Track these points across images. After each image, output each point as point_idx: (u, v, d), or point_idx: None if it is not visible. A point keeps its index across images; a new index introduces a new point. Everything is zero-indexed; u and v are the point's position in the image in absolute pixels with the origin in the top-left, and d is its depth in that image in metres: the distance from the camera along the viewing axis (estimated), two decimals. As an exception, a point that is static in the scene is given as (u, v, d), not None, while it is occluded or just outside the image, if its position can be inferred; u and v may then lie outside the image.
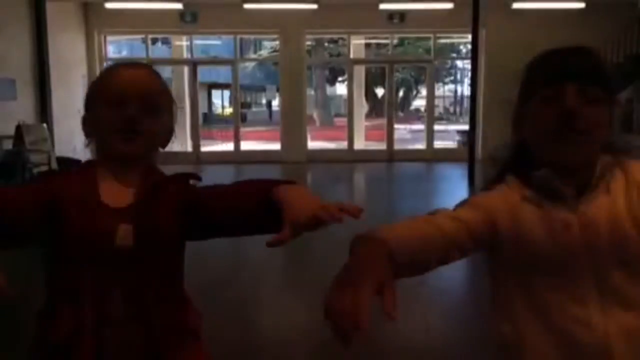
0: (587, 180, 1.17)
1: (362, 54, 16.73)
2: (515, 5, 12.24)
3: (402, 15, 13.34)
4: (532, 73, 1.20)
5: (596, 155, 1.17)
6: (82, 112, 1.36)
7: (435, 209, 1.22)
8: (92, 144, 1.35)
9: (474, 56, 10.89)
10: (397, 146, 14.77)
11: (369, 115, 21.27)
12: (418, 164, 13.49)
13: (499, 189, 1.26)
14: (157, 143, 1.36)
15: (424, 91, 22.08)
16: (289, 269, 5.59)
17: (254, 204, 1.20)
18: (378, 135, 16.05)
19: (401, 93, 30.62)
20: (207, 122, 25.12)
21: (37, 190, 1.25)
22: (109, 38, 14.28)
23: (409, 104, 33.32)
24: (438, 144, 15.32)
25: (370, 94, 25.03)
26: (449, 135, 18.91)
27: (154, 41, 16.82)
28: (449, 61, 25.01)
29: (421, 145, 14.96)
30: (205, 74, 21.77)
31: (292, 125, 13.86)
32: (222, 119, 27.13)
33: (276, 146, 14.65)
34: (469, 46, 12.22)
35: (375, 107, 25.57)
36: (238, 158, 14.09)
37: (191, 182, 1.39)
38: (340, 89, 28.93)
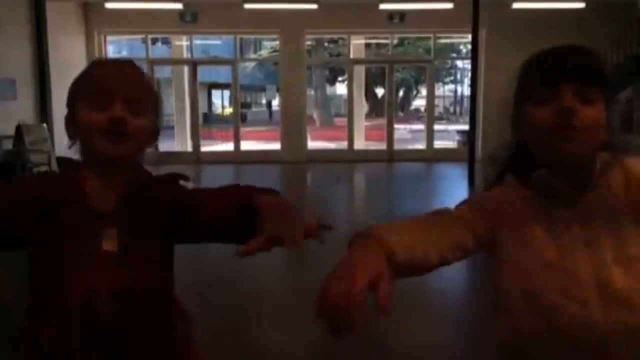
0: (586, 179, 1.16)
1: (362, 54, 16.74)
2: (515, 5, 12.24)
3: (402, 15, 13.34)
4: (529, 73, 1.20)
5: (595, 154, 1.16)
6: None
7: (436, 208, 1.21)
8: (76, 145, 1.29)
9: (474, 56, 10.89)
10: (397, 146, 14.78)
11: (369, 115, 21.27)
12: (418, 164, 13.50)
13: (499, 189, 1.26)
14: (144, 143, 1.30)
15: (424, 91, 22.09)
16: (288, 270, 5.59)
17: (234, 211, 1.16)
18: (378, 135, 16.05)
19: (401, 93, 30.63)
20: (207, 122, 25.11)
21: (24, 192, 1.23)
22: (109, 38, 14.28)
23: (409, 104, 33.32)
24: (438, 144, 15.33)
25: (370, 94, 25.03)
26: (449, 135, 18.91)
27: (154, 41, 16.83)
28: (449, 61, 25.02)
29: (421, 145, 14.97)
30: (205, 74, 21.79)
31: (292, 125, 13.86)
32: (222, 119, 27.13)
33: (276, 146, 14.65)
34: (469, 46, 12.23)
35: (375, 107, 25.58)
36: (238, 158, 14.09)
37: (181, 182, 1.35)
38: (340, 89, 28.94)
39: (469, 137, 11.46)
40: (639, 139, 9.12)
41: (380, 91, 25.72)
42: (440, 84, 31.06)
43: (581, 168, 1.16)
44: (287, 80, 13.94)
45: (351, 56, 14.96)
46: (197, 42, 16.22)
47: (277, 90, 17.20)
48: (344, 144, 14.93)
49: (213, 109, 33.19)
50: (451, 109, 34.58)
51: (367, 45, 17.97)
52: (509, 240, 1.18)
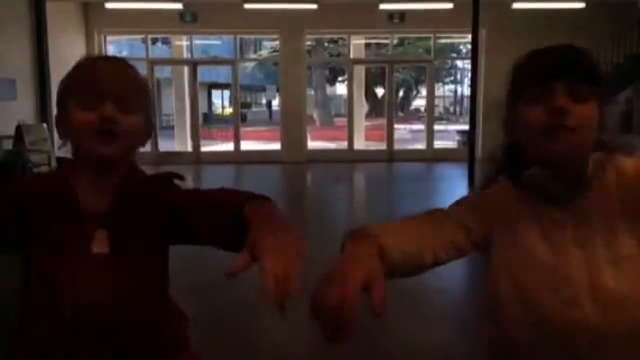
0: (579, 179, 1.16)
1: (362, 54, 16.74)
2: (515, 5, 12.24)
3: (402, 15, 13.34)
4: (520, 73, 1.19)
5: (588, 154, 1.16)
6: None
7: (431, 208, 1.21)
8: (67, 145, 1.26)
9: (474, 56, 10.89)
10: (397, 146, 14.78)
11: (369, 115, 21.27)
12: (418, 164, 13.50)
13: (493, 190, 1.25)
14: (136, 142, 1.26)
15: (424, 91, 22.08)
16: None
17: (222, 219, 1.11)
18: (378, 135, 16.05)
19: (401, 93, 30.62)
20: (207, 122, 25.11)
21: (11, 194, 1.21)
22: (109, 38, 14.28)
23: (409, 104, 33.32)
24: (438, 144, 15.33)
25: (370, 94, 25.03)
26: (449, 135, 18.91)
27: (154, 41, 16.83)
28: (449, 61, 25.01)
29: (421, 145, 14.97)
30: (205, 74, 21.79)
31: (292, 125, 13.86)
32: (222, 119, 27.14)
33: (276, 146, 14.65)
34: (469, 46, 12.23)
35: (375, 107, 25.57)
36: (238, 158, 14.09)
37: (176, 182, 1.32)
38: (340, 89, 28.94)
39: (469, 137, 11.46)
40: (639, 139, 9.12)
41: (380, 91, 25.71)
42: (440, 84, 31.06)
43: (574, 168, 1.15)
44: (287, 80, 13.94)
45: (351, 56, 14.96)
46: (197, 42, 16.22)
47: (277, 90, 17.20)
48: (344, 144, 14.93)
49: (213, 109, 33.19)
50: (451, 109, 34.57)
51: (367, 45, 17.97)
52: (501, 240, 1.17)
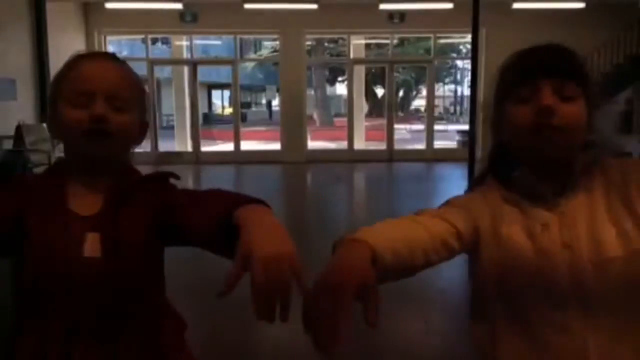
0: (566, 180, 1.15)
1: (362, 54, 16.74)
2: (515, 5, 12.25)
3: (402, 15, 13.35)
4: (507, 73, 1.18)
5: (575, 154, 1.14)
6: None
7: (421, 209, 1.19)
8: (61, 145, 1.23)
9: (474, 56, 10.88)
10: (397, 146, 14.78)
11: (369, 115, 21.28)
12: (418, 164, 13.50)
13: (480, 190, 1.24)
14: (129, 141, 1.23)
15: (424, 91, 22.09)
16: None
17: (212, 224, 1.04)
18: (378, 135, 16.05)
19: (401, 93, 30.63)
20: (207, 122, 25.12)
21: (10, 196, 1.16)
22: (109, 38, 14.28)
23: (409, 104, 33.32)
24: (438, 144, 15.32)
25: (370, 94, 25.03)
26: (449, 135, 18.91)
27: (154, 41, 16.83)
28: (449, 61, 25.01)
29: (421, 145, 14.96)
30: (205, 74, 21.79)
31: (292, 125, 13.86)
32: (222, 119, 27.15)
33: (276, 146, 14.65)
34: (469, 46, 12.23)
35: (375, 107, 25.58)
36: (238, 158, 14.09)
37: (172, 181, 1.27)
38: (340, 89, 28.96)
39: (469, 137, 11.46)
40: (638, 139, 9.11)
41: (380, 91, 25.73)
42: (440, 84, 31.07)
43: (561, 168, 1.14)
44: (287, 80, 13.94)
45: (351, 56, 14.96)
46: (197, 42, 16.22)
47: (277, 90, 17.21)
48: (344, 144, 14.93)
49: (213, 109, 33.22)
50: (451, 109, 34.58)
51: (367, 45, 17.98)
52: (488, 240, 1.16)
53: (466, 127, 12.89)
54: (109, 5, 12.51)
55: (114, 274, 1.15)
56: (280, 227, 0.96)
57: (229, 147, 14.94)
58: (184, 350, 1.32)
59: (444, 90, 33.40)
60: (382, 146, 14.73)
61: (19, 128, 9.43)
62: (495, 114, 1.21)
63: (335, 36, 18.00)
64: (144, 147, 1.31)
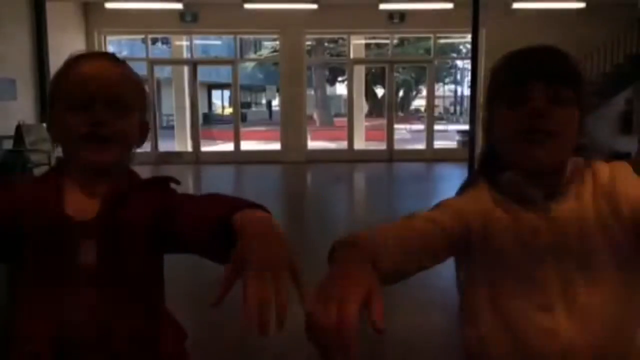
0: (556, 184, 1.13)
1: (362, 54, 16.74)
2: (515, 5, 12.24)
3: (402, 15, 13.35)
4: (498, 75, 1.16)
5: (566, 159, 1.13)
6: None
7: (412, 212, 1.17)
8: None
9: (474, 56, 10.90)
10: (397, 146, 14.78)
11: (369, 115, 21.29)
12: (418, 164, 13.50)
13: (471, 192, 1.22)
14: (130, 145, 1.18)
15: (424, 91, 22.09)
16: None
17: (207, 230, 1.00)
18: (378, 135, 16.05)
19: (401, 93, 30.65)
20: (207, 122, 25.14)
21: (7, 201, 1.13)
22: (109, 38, 14.28)
23: (409, 104, 33.34)
24: (438, 144, 15.32)
25: (370, 94, 25.05)
26: (449, 135, 18.92)
27: (154, 41, 16.84)
28: (449, 61, 25.03)
29: (421, 145, 14.96)
30: (205, 74, 21.81)
31: (292, 125, 13.87)
32: (222, 119, 27.16)
33: (276, 146, 14.65)
34: (469, 46, 12.23)
35: (375, 107, 25.59)
36: (238, 158, 14.09)
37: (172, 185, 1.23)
38: (340, 89, 28.98)
39: (469, 137, 11.46)
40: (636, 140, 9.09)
41: (380, 91, 25.74)
42: (441, 84, 31.09)
43: (551, 172, 1.12)
44: (287, 80, 13.94)
45: (351, 56, 14.96)
46: (197, 42, 16.21)
47: (277, 90, 17.21)
48: (344, 144, 14.92)
49: (213, 109, 33.24)
50: (451, 109, 34.60)
51: (367, 45, 17.99)
52: (478, 244, 1.15)
53: (466, 127, 12.92)
54: (109, 5, 12.51)
55: (109, 282, 1.11)
56: (279, 233, 0.91)
57: (229, 147, 14.93)
58: None
59: (444, 90, 33.42)
60: (382, 146, 14.73)
61: (19, 128, 9.43)
62: (486, 115, 1.19)
63: (335, 36, 18.00)
64: (144, 147, 1.28)
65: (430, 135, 14.52)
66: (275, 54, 18.45)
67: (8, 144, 9.54)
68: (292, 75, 13.79)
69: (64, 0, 12.32)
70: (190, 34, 14.31)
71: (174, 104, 16.42)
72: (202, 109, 23.72)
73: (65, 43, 12.23)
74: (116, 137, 1.12)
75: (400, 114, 27.53)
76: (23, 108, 10.51)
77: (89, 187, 1.16)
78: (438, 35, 14.48)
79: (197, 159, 14.08)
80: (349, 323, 0.78)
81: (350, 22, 13.30)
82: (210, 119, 28.00)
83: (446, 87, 34.22)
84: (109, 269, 1.11)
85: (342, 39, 16.60)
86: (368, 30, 14.62)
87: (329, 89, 27.97)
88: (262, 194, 9.77)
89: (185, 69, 15.00)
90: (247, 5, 12.24)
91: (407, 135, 20.33)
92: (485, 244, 1.14)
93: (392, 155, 14.22)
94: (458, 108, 33.60)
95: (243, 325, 0.79)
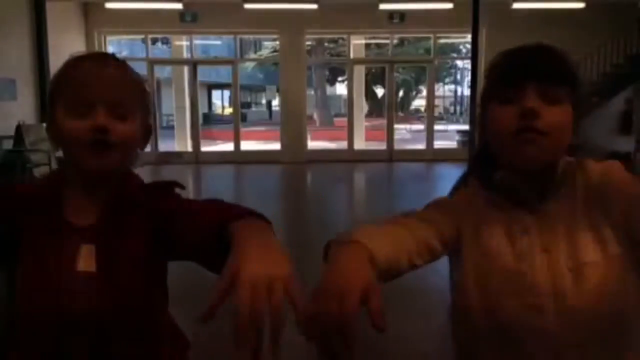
0: (548, 183, 1.13)
1: (362, 54, 16.75)
2: (515, 5, 12.24)
3: (402, 15, 13.35)
4: (492, 74, 1.16)
5: (559, 158, 1.13)
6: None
7: (404, 211, 1.17)
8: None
9: (474, 56, 10.91)
10: (397, 146, 14.78)
11: (369, 115, 21.29)
12: (418, 164, 13.49)
13: (464, 192, 1.23)
14: (133, 149, 1.14)
15: (424, 91, 22.10)
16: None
17: (205, 233, 0.97)
18: (378, 135, 16.06)
19: (401, 93, 30.64)
20: (207, 122, 25.14)
21: (2, 204, 1.11)
22: (109, 38, 14.29)
23: (409, 104, 33.34)
24: (438, 144, 15.32)
25: (370, 94, 25.05)
26: (449, 135, 18.91)
27: (154, 41, 16.84)
28: (449, 61, 25.02)
29: (421, 145, 14.96)
30: (205, 74, 21.81)
31: (292, 125, 13.87)
32: (222, 119, 27.17)
33: (276, 146, 14.66)
34: (469, 46, 12.23)
35: (375, 107, 25.59)
36: (238, 158, 14.09)
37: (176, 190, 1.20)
38: (340, 89, 28.98)
39: (469, 137, 11.47)
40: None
41: (380, 91, 25.74)
42: (441, 84, 31.09)
43: (544, 172, 1.12)
44: (287, 80, 13.95)
45: (351, 56, 14.96)
46: (197, 42, 16.21)
47: (277, 90, 17.21)
48: (344, 144, 14.92)
49: (213, 109, 33.25)
50: (451, 109, 34.60)
51: (367, 45, 17.98)
52: (469, 243, 1.15)
53: (466, 127, 12.93)
54: (109, 5, 12.51)
55: (109, 290, 1.08)
56: (277, 245, 0.87)
57: (229, 147, 14.94)
58: None
59: (444, 90, 33.43)
60: (382, 146, 14.73)
61: (19, 128, 9.43)
62: (481, 114, 1.19)
63: (335, 36, 18.00)
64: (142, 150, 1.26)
65: (430, 135, 14.52)
66: (275, 54, 18.45)
67: (8, 144, 9.54)
68: (292, 75, 13.79)
69: (64, 0, 12.32)
70: (190, 34, 14.31)
71: (174, 104, 16.43)
72: (202, 109, 23.71)
73: (65, 43, 12.23)
74: (118, 143, 1.09)
75: (400, 114, 27.52)
76: (23, 108, 10.51)
77: (89, 192, 1.13)
78: (438, 35, 14.48)
79: (197, 158, 14.08)
80: (350, 322, 0.78)
81: (350, 22, 13.30)
82: (210, 119, 28.00)
83: (446, 87, 34.22)
84: (107, 276, 1.08)
85: (342, 39, 16.60)
86: (368, 30, 14.62)
87: (329, 89, 27.97)
88: (262, 194, 9.77)
89: (185, 69, 15.00)
90: (247, 5, 12.24)
91: (407, 135, 20.34)
92: (477, 243, 1.14)
93: (392, 155, 14.23)
94: (458, 108, 33.61)
95: (232, 340, 0.73)
